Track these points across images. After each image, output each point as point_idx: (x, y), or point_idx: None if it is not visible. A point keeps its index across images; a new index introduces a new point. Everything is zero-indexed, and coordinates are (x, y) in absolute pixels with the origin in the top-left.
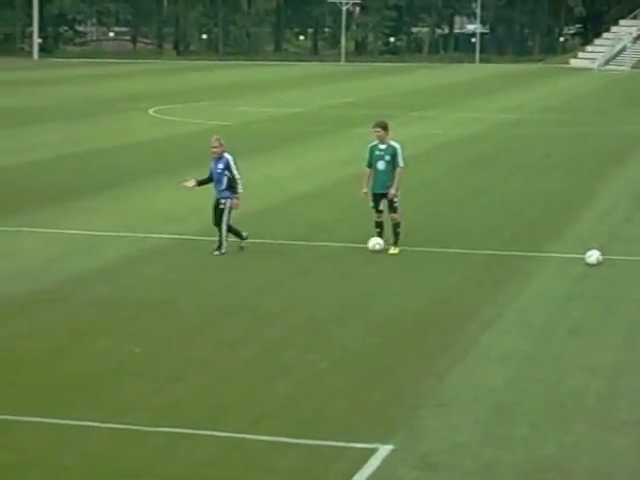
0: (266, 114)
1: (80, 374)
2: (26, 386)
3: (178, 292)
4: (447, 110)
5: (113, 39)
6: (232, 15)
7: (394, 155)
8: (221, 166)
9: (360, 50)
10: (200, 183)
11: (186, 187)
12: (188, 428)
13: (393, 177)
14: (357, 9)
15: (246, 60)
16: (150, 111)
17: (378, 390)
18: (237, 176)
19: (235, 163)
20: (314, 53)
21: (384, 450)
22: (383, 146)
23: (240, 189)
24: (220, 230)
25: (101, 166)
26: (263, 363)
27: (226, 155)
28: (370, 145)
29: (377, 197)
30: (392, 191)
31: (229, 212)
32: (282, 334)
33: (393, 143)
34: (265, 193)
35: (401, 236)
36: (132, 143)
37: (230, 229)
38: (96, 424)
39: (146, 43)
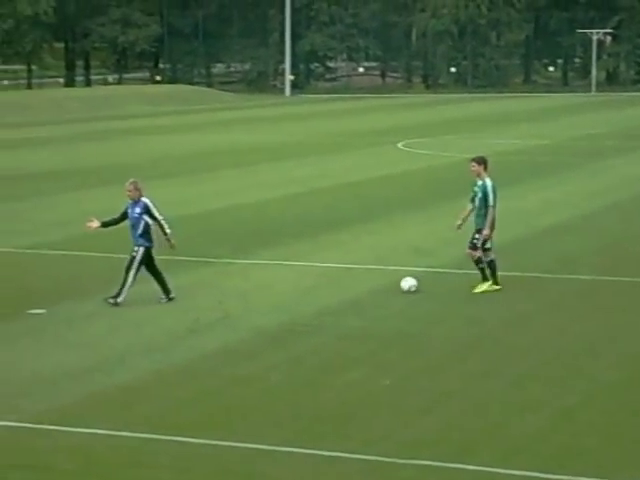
0: (514, 146)
1: (330, 405)
2: (278, 416)
3: (426, 325)
4: None
5: (363, 74)
6: (481, 48)
7: (485, 193)
8: (138, 210)
9: (611, 80)
10: (105, 224)
11: (90, 228)
12: (437, 461)
13: (483, 216)
14: (608, 38)
15: (495, 92)
16: (399, 145)
17: (632, 426)
18: (159, 217)
19: (155, 205)
20: (564, 84)
21: None
22: (479, 182)
23: (167, 229)
24: (126, 278)
25: (352, 200)
26: (512, 397)
27: (143, 199)
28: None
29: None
30: (485, 232)
31: (139, 262)
32: (531, 368)
33: (487, 181)
34: (512, 226)
35: (487, 272)
36: (382, 176)
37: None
38: (346, 455)
39: (395, 77)
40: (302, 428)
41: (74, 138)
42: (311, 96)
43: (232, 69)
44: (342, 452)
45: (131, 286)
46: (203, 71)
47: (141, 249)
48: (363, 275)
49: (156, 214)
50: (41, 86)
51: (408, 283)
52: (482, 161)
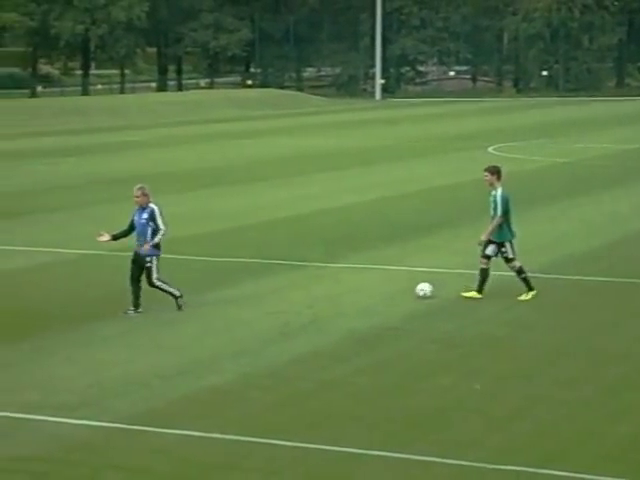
0: (604, 150)
1: (421, 410)
2: (368, 420)
3: (516, 330)
4: None
5: (453, 78)
6: (573, 51)
7: (496, 203)
8: (145, 216)
9: None
10: (115, 237)
11: (100, 241)
12: (529, 467)
13: (495, 225)
14: None
15: (587, 96)
16: (490, 149)
17: None
18: (161, 227)
19: (161, 214)
20: None
21: None
22: (493, 192)
23: (157, 239)
24: (163, 290)
25: (442, 204)
26: (603, 403)
27: (151, 205)
28: None
29: (486, 243)
30: (482, 237)
31: (156, 269)
32: (623, 375)
33: (499, 191)
34: (605, 230)
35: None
36: (472, 181)
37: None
38: (436, 459)
39: (486, 81)
40: (391, 432)
41: (166, 142)
42: (401, 100)
43: (322, 73)
44: (432, 456)
45: (173, 289)
46: (294, 75)
47: (154, 259)
48: (453, 280)
49: (160, 223)
50: (134, 90)
51: (423, 289)
52: (495, 171)
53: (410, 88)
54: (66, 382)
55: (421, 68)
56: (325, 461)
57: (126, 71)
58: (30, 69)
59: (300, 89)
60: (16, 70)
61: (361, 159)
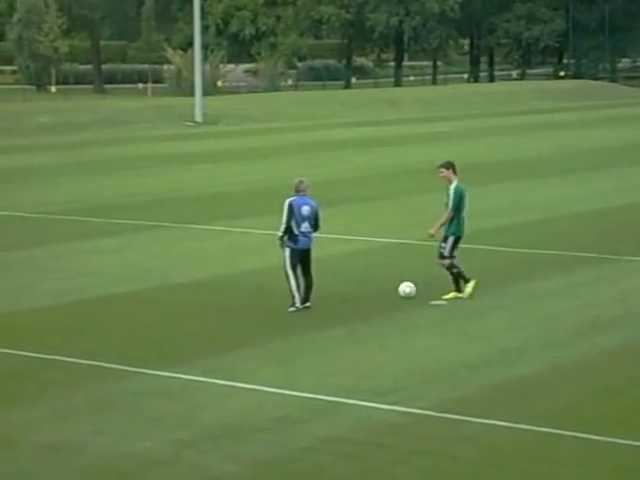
0: None
1: None
2: None
3: None
4: None
5: None
6: None
7: (448, 197)
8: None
9: None
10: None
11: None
12: None
13: (448, 220)
14: None
15: None
16: None
17: None
18: (282, 221)
19: (289, 208)
20: None
21: None
22: (450, 187)
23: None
24: (288, 282)
25: None
26: None
27: (289, 200)
28: None
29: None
30: (430, 231)
31: (289, 265)
32: None
33: (453, 185)
34: None
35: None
36: None
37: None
38: None
39: None
40: None
41: (476, 133)
42: None
43: (638, 64)
44: None
45: (296, 287)
46: (608, 66)
47: (286, 250)
48: None
49: (283, 216)
50: (445, 82)
51: (404, 289)
52: (449, 165)
53: None
54: (378, 368)
55: None
56: (635, 456)
57: (438, 63)
58: (345, 61)
59: (614, 80)
60: (331, 62)
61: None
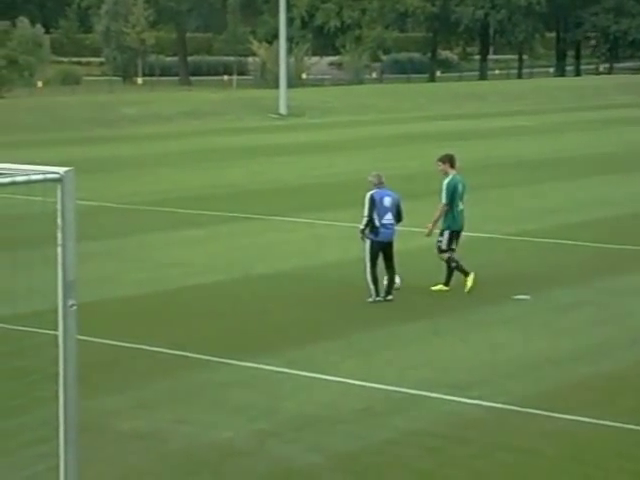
0: None
1: None
2: None
3: None
4: None
5: None
6: None
7: (441, 190)
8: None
9: None
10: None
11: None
12: None
13: (443, 215)
14: None
15: None
16: None
17: None
18: (364, 214)
19: (370, 201)
20: None
21: None
22: (443, 181)
23: (360, 225)
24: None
25: None
26: None
27: (371, 192)
28: None
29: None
30: (428, 225)
31: (369, 257)
32: None
33: (447, 178)
34: None
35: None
36: None
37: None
38: None
39: None
40: None
41: (559, 128)
42: None
43: None
44: None
45: (372, 280)
46: None
47: (367, 242)
48: None
49: (365, 209)
50: (531, 76)
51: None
52: (447, 159)
53: None
54: (460, 362)
55: None
56: None
57: (524, 56)
58: (429, 54)
59: None
60: (416, 55)
61: None
